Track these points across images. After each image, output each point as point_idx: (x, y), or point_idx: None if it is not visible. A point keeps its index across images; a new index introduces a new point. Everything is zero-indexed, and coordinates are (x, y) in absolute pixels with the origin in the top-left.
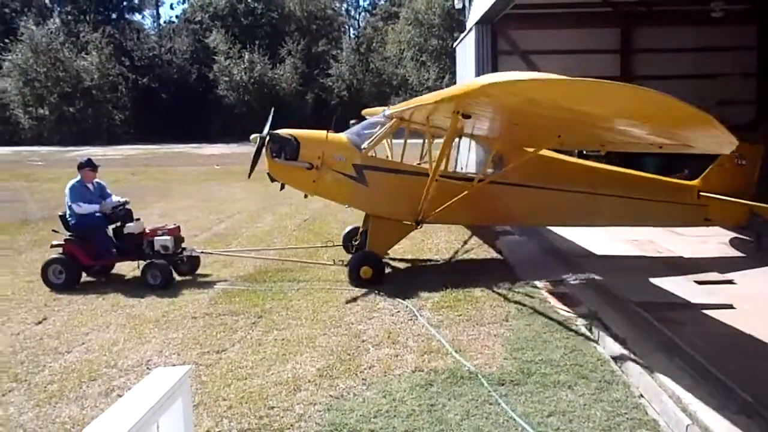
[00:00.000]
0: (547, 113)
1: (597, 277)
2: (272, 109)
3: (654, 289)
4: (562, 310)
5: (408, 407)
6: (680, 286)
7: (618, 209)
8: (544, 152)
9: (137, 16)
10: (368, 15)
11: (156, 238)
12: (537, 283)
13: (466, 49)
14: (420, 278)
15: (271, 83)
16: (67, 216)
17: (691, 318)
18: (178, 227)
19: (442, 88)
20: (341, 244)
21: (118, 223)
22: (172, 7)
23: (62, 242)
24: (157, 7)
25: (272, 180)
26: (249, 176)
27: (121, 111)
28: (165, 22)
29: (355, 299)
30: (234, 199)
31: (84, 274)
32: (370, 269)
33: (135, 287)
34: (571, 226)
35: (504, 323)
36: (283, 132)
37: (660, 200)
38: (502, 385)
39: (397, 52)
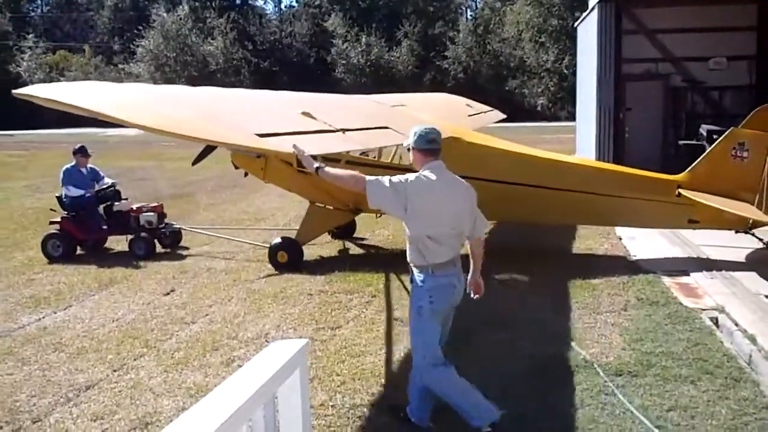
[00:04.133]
0: None
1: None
2: None
3: None
4: (686, 302)
5: (520, 393)
6: None
7: (567, 206)
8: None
9: (260, 2)
10: None
11: (142, 214)
12: (659, 272)
13: (588, 29)
14: (535, 265)
15: (388, 66)
16: (63, 197)
17: None
18: (161, 205)
19: (561, 69)
20: None
21: (109, 203)
22: None
23: (59, 220)
24: None
25: (236, 167)
26: (193, 164)
27: None
28: (286, 6)
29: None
30: None
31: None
32: (286, 254)
33: (255, 263)
34: (506, 221)
35: (623, 312)
36: None
37: (628, 197)
38: (620, 375)
39: (515, 33)
